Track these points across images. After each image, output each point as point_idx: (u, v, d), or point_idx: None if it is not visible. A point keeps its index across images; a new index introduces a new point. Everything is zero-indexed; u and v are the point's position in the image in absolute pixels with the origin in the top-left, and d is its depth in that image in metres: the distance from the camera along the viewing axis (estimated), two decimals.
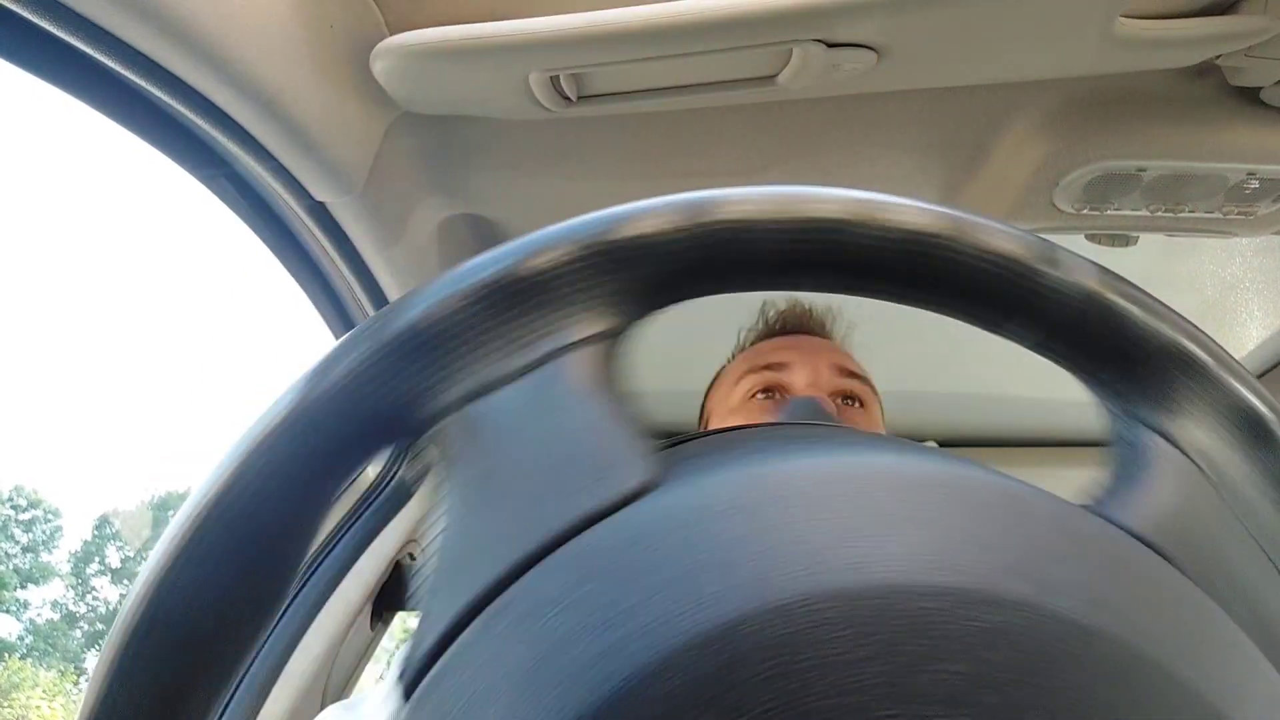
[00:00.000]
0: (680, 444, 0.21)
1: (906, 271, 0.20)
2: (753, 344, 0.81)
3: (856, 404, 0.67)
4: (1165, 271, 0.99)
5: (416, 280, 0.80)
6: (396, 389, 0.18)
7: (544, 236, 0.19)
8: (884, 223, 0.19)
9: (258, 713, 0.78)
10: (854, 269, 0.20)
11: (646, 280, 0.19)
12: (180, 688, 0.17)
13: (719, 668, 0.13)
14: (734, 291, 0.20)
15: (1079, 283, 0.20)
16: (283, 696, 0.81)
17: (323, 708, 0.64)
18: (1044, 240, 0.20)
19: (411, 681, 0.16)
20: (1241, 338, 1.12)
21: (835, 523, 0.15)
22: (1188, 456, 0.20)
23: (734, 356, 0.83)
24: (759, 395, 0.68)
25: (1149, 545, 0.18)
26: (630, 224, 0.19)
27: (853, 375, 0.67)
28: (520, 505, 0.17)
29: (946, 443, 1.42)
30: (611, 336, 0.19)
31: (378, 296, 0.81)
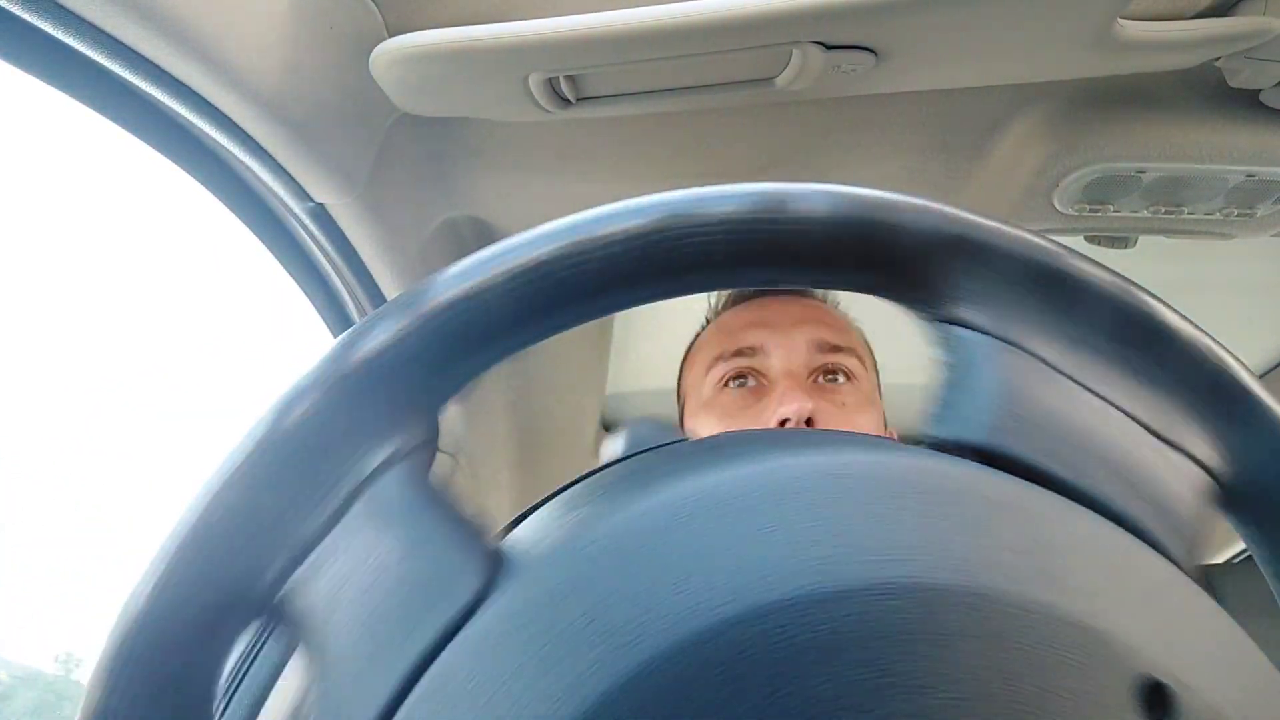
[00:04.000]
0: (520, 520, 0.21)
1: (633, 272, 0.19)
2: (725, 308, 0.75)
3: (841, 377, 0.62)
4: (1166, 273, 0.99)
5: (416, 281, 0.80)
6: (224, 576, 0.18)
7: (299, 384, 0.18)
8: (608, 235, 0.19)
9: (258, 712, 0.78)
10: (589, 293, 0.19)
11: (409, 389, 0.19)
12: None
13: None
14: (551, 335, 0.20)
15: (815, 213, 0.19)
16: (283, 696, 0.81)
17: None
18: (772, 187, 0.20)
19: None
20: (1242, 338, 1.12)
21: (660, 575, 0.15)
22: (1002, 339, 0.20)
23: (708, 321, 0.77)
24: (731, 384, 0.63)
25: (996, 454, 0.18)
26: (371, 342, 0.18)
27: (834, 349, 0.62)
28: (373, 648, 0.16)
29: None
30: (409, 452, 0.19)
31: (377, 298, 0.81)
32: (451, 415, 1.10)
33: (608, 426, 1.38)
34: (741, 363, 0.63)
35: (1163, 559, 0.18)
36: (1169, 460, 0.20)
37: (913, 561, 0.15)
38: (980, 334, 0.20)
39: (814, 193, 0.20)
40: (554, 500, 0.22)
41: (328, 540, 0.18)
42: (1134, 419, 0.20)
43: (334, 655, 0.17)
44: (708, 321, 0.78)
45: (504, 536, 0.20)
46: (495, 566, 0.17)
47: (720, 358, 0.64)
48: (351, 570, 0.17)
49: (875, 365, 0.69)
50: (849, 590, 0.14)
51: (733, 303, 0.75)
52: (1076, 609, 0.15)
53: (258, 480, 0.18)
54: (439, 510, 0.18)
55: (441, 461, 1.11)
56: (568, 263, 0.19)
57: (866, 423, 0.60)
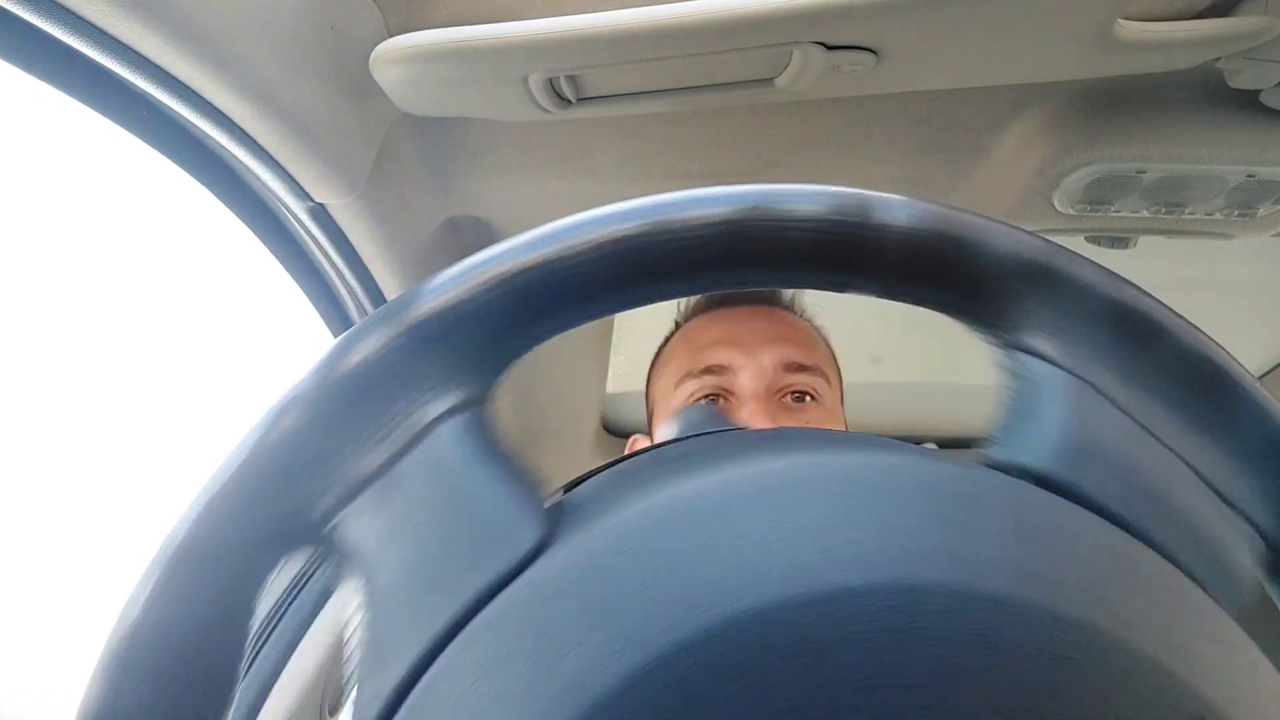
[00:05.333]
0: (576, 485, 0.22)
1: (718, 258, 0.20)
2: (692, 315, 0.74)
3: (809, 399, 0.63)
4: (1167, 274, 0.99)
5: (416, 281, 0.80)
6: (278, 504, 0.18)
7: (361, 329, 0.19)
8: (688, 221, 0.19)
9: (258, 712, 0.78)
10: (671, 271, 0.20)
11: (475, 345, 0.19)
12: None
13: (637, 713, 0.14)
14: (576, 325, 0.20)
15: (899, 223, 0.20)
16: (283, 696, 0.81)
17: None
18: (855, 192, 0.20)
19: None
20: (1242, 338, 1.12)
21: (723, 548, 0.15)
22: (1071, 373, 0.20)
23: (677, 326, 0.77)
24: (701, 402, 0.64)
25: (1054, 482, 0.18)
26: (440, 298, 0.19)
27: (801, 368, 0.63)
28: (425, 588, 0.17)
29: (946, 444, 1.42)
30: (469, 405, 0.19)
31: (378, 298, 0.81)
32: None
33: (608, 427, 1.38)
34: (710, 380, 0.63)
35: (1217, 606, 0.18)
36: (1226, 517, 0.20)
37: (983, 572, 0.15)
38: (1050, 365, 0.20)
39: (898, 203, 0.20)
40: (611, 469, 0.22)
41: (384, 479, 0.18)
42: (1195, 470, 0.20)
43: (384, 590, 0.17)
44: (676, 326, 0.78)
45: (560, 497, 0.20)
46: (553, 523, 0.17)
47: (690, 374, 0.65)
48: (408, 512, 0.18)
49: (839, 375, 0.69)
50: (907, 588, 0.14)
51: (700, 310, 0.75)
52: (1143, 643, 0.15)
53: (316, 413, 0.18)
54: (498, 464, 0.18)
55: None
56: (656, 239, 0.19)
57: None
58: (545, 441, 1.38)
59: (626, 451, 0.70)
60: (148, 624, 0.17)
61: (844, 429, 0.65)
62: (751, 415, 0.59)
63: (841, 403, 0.68)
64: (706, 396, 0.63)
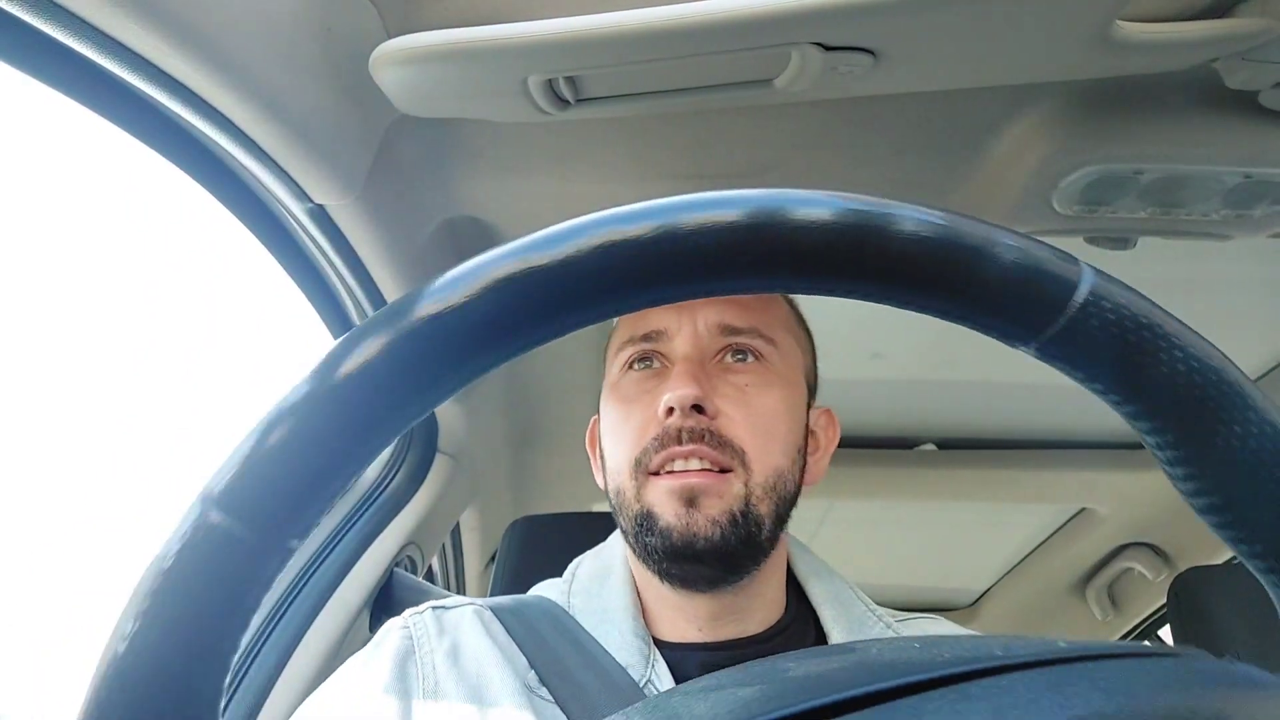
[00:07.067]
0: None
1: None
2: None
3: (750, 357, 0.61)
4: (1164, 273, 1.00)
5: (415, 282, 0.80)
6: None
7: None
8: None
9: (258, 712, 0.78)
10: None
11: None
12: None
13: None
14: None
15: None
16: (283, 696, 0.81)
17: None
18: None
19: None
20: (1241, 338, 1.12)
21: None
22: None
23: None
24: (636, 366, 0.63)
25: None
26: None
27: (736, 330, 0.61)
28: None
29: (945, 444, 1.42)
30: None
31: (376, 298, 0.81)
32: (452, 416, 1.10)
33: None
34: (646, 346, 0.63)
35: None
36: None
37: None
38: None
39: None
40: None
41: None
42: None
43: None
44: None
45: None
46: None
47: (629, 341, 0.64)
48: None
49: (806, 344, 0.68)
50: None
51: None
52: None
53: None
54: None
55: (441, 462, 1.12)
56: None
57: (771, 402, 0.60)
58: (545, 441, 1.38)
59: (588, 432, 0.69)
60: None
61: (799, 397, 0.63)
62: (674, 379, 0.58)
63: (809, 373, 0.67)
64: (642, 359, 0.63)
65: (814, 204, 0.20)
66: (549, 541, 0.93)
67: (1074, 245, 0.78)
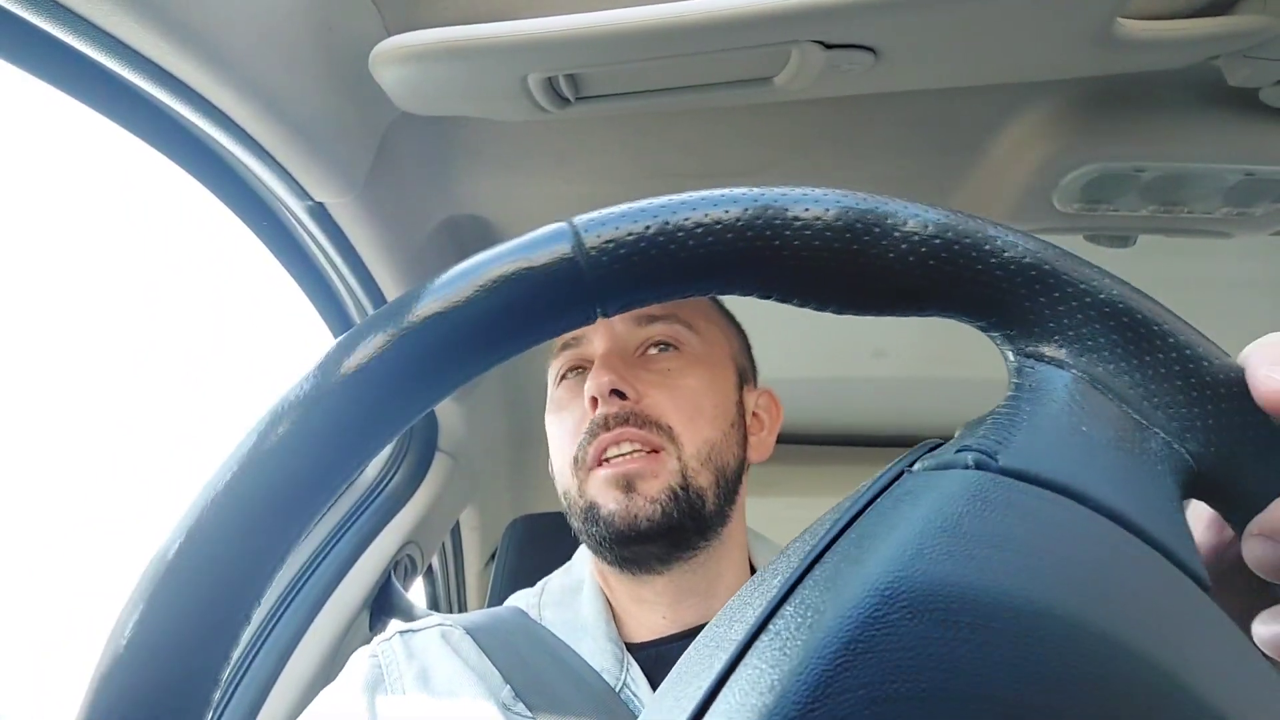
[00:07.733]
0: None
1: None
2: None
3: (671, 348, 0.62)
4: (1165, 271, 0.99)
5: (415, 281, 0.80)
6: None
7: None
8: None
9: (258, 712, 0.78)
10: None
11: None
12: None
13: None
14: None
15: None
16: (283, 696, 0.81)
17: None
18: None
19: None
20: (1241, 337, 1.12)
21: None
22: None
23: None
24: (569, 375, 0.65)
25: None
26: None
27: (651, 319, 0.62)
28: None
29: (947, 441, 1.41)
30: None
31: (377, 298, 0.81)
32: (452, 415, 1.10)
33: None
34: (571, 353, 0.65)
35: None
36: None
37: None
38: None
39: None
40: None
41: None
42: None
43: None
44: None
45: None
46: None
47: (558, 353, 0.66)
48: None
49: (733, 332, 0.69)
50: None
51: None
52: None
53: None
54: None
55: (441, 461, 1.11)
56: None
57: (694, 382, 0.61)
58: (545, 441, 1.38)
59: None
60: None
61: (727, 380, 0.64)
62: (592, 374, 0.60)
63: (738, 357, 0.67)
64: (573, 369, 0.65)
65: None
66: (549, 540, 0.93)
67: (1074, 244, 0.78)
